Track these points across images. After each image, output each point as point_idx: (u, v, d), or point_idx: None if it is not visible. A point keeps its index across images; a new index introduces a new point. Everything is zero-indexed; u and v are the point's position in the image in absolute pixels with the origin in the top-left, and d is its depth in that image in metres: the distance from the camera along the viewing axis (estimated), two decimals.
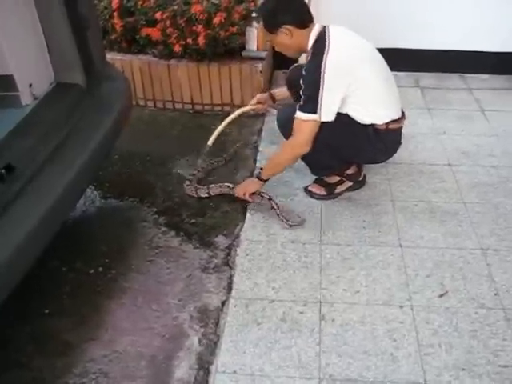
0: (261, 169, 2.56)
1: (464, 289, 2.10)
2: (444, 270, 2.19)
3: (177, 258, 2.32)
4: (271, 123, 3.08)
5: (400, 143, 2.50)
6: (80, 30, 2.24)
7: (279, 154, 2.46)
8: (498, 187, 2.65)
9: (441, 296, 2.08)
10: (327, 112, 2.22)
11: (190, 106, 3.42)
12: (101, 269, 2.27)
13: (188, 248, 2.37)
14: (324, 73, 2.16)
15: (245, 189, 2.54)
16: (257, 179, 2.52)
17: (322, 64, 2.17)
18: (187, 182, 2.69)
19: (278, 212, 2.43)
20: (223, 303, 2.10)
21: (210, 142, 2.78)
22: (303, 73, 2.28)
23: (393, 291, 2.10)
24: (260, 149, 3.02)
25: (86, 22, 2.25)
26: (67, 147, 2.04)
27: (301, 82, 2.27)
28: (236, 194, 2.57)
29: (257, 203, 2.53)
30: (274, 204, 2.46)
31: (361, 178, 2.65)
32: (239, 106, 3.31)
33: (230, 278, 2.21)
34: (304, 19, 2.29)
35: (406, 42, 3.62)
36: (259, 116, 3.35)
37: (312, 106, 2.21)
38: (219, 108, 3.39)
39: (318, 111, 2.21)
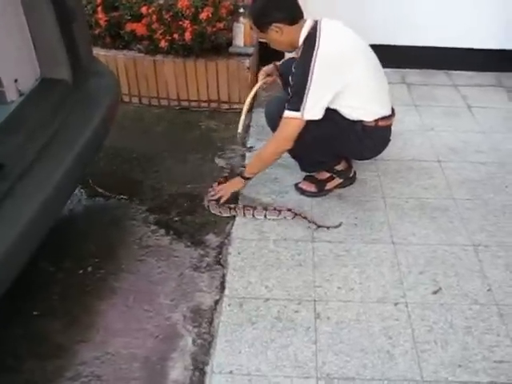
0: (243, 167, 2.53)
1: (457, 285, 2.11)
2: (437, 266, 2.19)
3: (167, 256, 2.28)
4: (260, 119, 3.05)
5: (389, 140, 2.50)
6: (66, 23, 2.18)
7: (262, 150, 2.45)
8: (487, 183, 2.67)
9: (435, 293, 2.08)
10: (311, 111, 2.20)
11: (176, 103, 3.37)
12: (90, 269, 2.22)
13: (179, 247, 2.33)
14: (313, 69, 2.15)
15: (226, 189, 2.50)
16: (239, 177, 2.50)
17: (312, 60, 2.15)
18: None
19: (308, 219, 2.39)
20: (216, 302, 2.07)
21: (240, 130, 2.69)
22: (293, 69, 2.26)
23: (387, 288, 2.10)
24: (248, 145, 2.98)
25: (72, 15, 2.20)
26: (56, 145, 1.99)
27: (290, 78, 2.25)
28: (212, 196, 2.51)
29: (273, 219, 2.44)
30: (297, 213, 2.41)
31: (351, 175, 2.64)
32: (226, 102, 3.33)
33: (223, 276, 2.18)
34: (294, 16, 2.27)
35: (393, 39, 3.62)
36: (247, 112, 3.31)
37: (296, 103, 2.20)
38: (206, 104, 3.35)
39: (301, 110, 2.19)
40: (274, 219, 2.42)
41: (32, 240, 1.73)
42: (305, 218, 2.39)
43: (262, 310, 2.00)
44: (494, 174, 2.74)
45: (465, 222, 2.42)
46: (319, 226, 2.37)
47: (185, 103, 3.36)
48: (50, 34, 2.17)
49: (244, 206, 2.45)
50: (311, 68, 2.14)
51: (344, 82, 2.22)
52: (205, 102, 3.34)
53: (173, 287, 2.14)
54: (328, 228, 2.37)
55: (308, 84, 2.15)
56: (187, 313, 2.03)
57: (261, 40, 3.18)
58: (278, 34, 2.25)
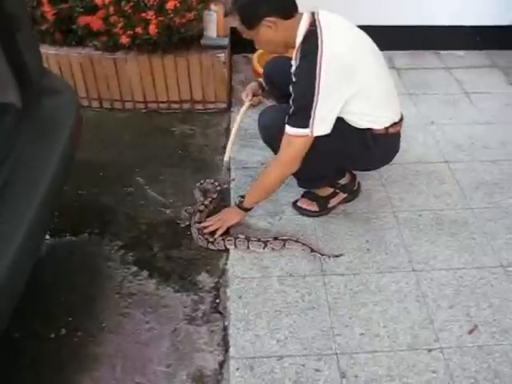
0: (241, 196, 2.18)
1: (494, 320, 1.85)
2: (467, 297, 1.92)
3: (155, 307, 1.93)
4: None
5: (399, 148, 2.17)
6: (8, 34, 1.75)
7: (265, 176, 2.08)
8: (503, 187, 2.41)
9: (470, 332, 1.81)
10: (321, 125, 1.86)
11: (143, 105, 2.95)
12: (64, 330, 1.85)
13: (167, 292, 1.98)
14: (319, 78, 1.79)
15: (223, 221, 2.15)
16: (238, 208, 2.15)
17: (317, 67, 1.79)
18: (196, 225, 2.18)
19: (314, 249, 2.07)
20: (221, 365, 1.75)
21: (226, 158, 2.31)
22: (293, 78, 1.89)
23: (416, 330, 1.82)
24: (232, 154, 2.60)
25: (15, 23, 1.76)
26: (12, 191, 1.59)
27: (290, 88, 1.89)
28: (207, 228, 2.15)
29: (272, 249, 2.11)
30: (302, 243, 2.09)
31: (355, 188, 2.33)
32: (200, 102, 2.95)
33: (225, 329, 1.85)
34: (289, 7, 1.89)
35: (376, 19, 3.26)
36: (223, 112, 2.95)
37: (303, 119, 1.85)
38: (177, 106, 2.94)
39: (310, 125, 1.84)
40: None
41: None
42: (313, 250, 2.07)
43: (278, 373, 1.69)
44: (508, 174, 2.48)
45: (488, 238, 2.15)
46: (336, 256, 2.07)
47: (153, 105, 2.95)
48: None
49: (235, 238, 2.11)
50: (317, 76, 1.78)
51: (354, 89, 1.87)
52: (176, 102, 2.93)
53: (166, 348, 1.80)
54: (332, 257, 2.07)
55: (315, 96, 1.79)
56: (188, 382, 1.70)
57: (232, 26, 2.81)
58: (271, 31, 1.87)
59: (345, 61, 1.84)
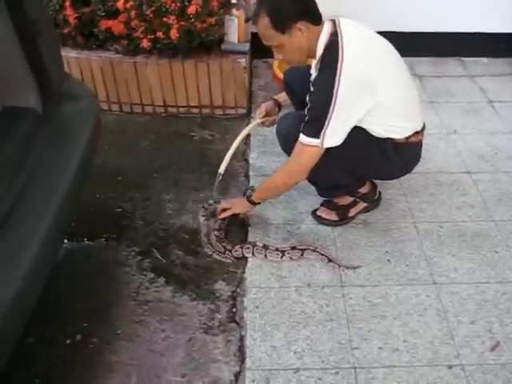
0: (252, 190, 2.15)
1: None
2: (489, 312, 1.88)
3: (171, 315, 1.91)
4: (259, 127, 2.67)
5: (420, 157, 2.13)
6: (30, 38, 1.74)
7: (274, 178, 2.07)
8: None
9: (493, 349, 1.76)
10: (332, 138, 1.83)
11: (163, 109, 2.95)
12: (79, 337, 1.84)
13: (183, 300, 1.96)
14: (337, 89, 1.75)
15: (231, 206, 2.17)
16: (246, 200, 2.13)
17: (336, 79, 1.75)
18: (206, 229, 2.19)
19: (331, 259, 2.04)
20: (237, 376, 1.72)
21: (221, 170, 2.25)
22: (311, 88, 1.86)
23: (436, 346, 1.77)
24: (251, 161, 2.59)
25: (36, 28, 1.75)
26: (30, 196, 1.58)
27: (307, 98, 1.86)
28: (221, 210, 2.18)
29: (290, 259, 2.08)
30: (321, 253, 2.06)
31: (376, 197, 2.29)
32: (219, 107, 2.92)
33: (241, 339, 1.82)
34: (317, 12, 1.86)
35: (398, 25, 3.22)
36: (243, 118, 2.93)
37: (315, 128, 1.83)
38: (197, 110, 2.93)
39: (321, 136, 1.82)
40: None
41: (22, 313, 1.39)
42: (332, 261, 2.04)
43: None
44: None
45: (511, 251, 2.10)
46: (340, 266, 2.04)
47: (172, 110, 2.94)
48: (9, 52, 1.73)
49: (254, 246, 2.08)
50: (335, 88, 1.75)
51: (374, 102, 1.84)
52: (195, 107, 2.92)
53: (182, 357, 1.78)
54: (350, 269, 2.03)
55: (331, 107, 1.76)
56: None
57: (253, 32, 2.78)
58: (300, 37, 1.82)
59: (365, 74, 1.80)
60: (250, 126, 2.31)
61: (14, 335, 1.37)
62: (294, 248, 2.06)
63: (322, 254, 2.04)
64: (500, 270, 2.03)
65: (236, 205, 2.18)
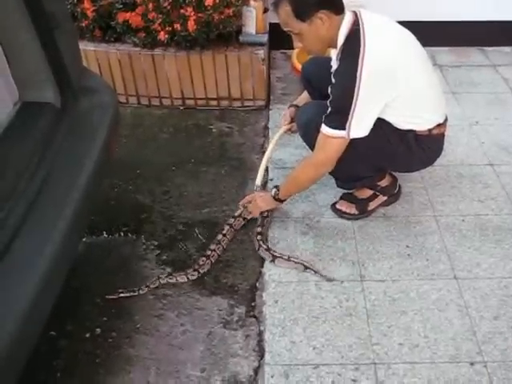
0: (276, 187, 2.13)
1: None
2: None
3: (190, 309, 1.91)
4: (277, 118, 2.65)
5: (442, 150, 2.10)
6: (47, 32, 1.74)
7: (299, 173, 2.04)
8: None
9: None
10: (358, 128, 1.81)
11: (181, 102, 2.94)
12: (98, 330, 1.85)
13: (202, 295, 1.96)
14: (360, 81, 1.73)
15: (258, 206, 2.15)
16: (272, 198, 2.11)
17: (358, 69, 1.72)
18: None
19: (314, 269, 1.99)
20: (256, 371, 1.71)
21: (258, 182, 2.25)
22: (332, 79, 1.84)
23: (458, 342, 1.75)
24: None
25: (54, 21, 1.75)
26: (49, 191, 1.59)
27: (329, 89, 1.83)
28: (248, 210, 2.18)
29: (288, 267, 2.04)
30: (306, 265, 2.01)
31: (396, 190, 2.26)
32: (238, 100, 2.91)
33: (260, 334, 1.82)
34: (340, 2, 1.83)
35: (419, 15, 3.16)
36: (262, 110, 2.91)
37: (340, 120, 1.80)
38: (215, 103, 2.92)
39: (347, 127, 1.79)
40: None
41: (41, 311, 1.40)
42: (315, 271, 1.99)
43: (313, 382, 1.65)
44: None
45: None
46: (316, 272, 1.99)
47: (190, 102, 2.93)
48: (27, 47, 1.73)
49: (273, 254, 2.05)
50: (358, 79, 1.72)
51: (396, 92, 1.81)
52: (214, 99, 2.91)
53: (201, 352, 1.78)
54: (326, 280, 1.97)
55: (354, 99, 1.74)
56: None
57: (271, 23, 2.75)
58: (321, 26, 1.79)
59: (387, 64, 1.77)
60: (278, 134, 2.31)
61: (35, 332, 1.38)
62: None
63: (297, 263, 2.00)
64: None
65: (263, 205, 2.14)
